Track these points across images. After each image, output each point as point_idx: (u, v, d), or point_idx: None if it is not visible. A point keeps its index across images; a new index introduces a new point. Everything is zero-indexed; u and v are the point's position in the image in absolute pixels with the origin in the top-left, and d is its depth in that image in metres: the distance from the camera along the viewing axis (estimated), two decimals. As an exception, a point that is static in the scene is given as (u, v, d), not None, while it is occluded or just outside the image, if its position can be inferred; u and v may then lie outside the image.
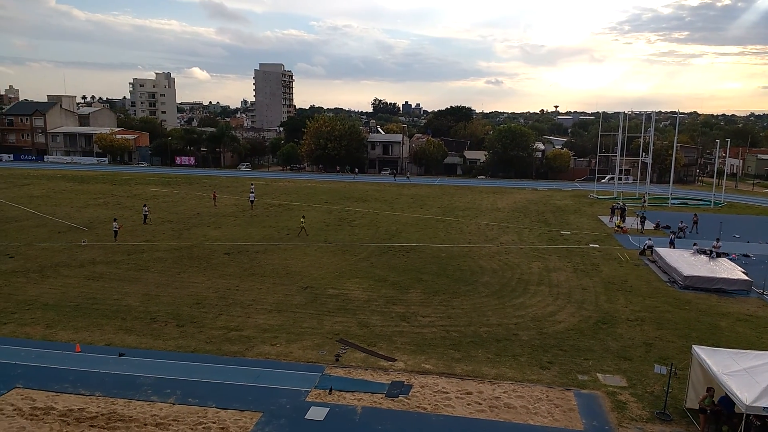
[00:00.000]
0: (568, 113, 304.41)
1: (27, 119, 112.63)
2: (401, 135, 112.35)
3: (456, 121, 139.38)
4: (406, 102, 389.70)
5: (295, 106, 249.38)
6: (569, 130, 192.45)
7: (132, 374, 19.21)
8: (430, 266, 34.12)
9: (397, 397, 18.03)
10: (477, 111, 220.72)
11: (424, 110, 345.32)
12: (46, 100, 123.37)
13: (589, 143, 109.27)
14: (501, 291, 29.43)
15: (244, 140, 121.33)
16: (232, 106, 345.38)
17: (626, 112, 74.99)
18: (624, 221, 48.53)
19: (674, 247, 37.70)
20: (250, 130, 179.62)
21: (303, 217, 45.28)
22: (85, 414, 16.62)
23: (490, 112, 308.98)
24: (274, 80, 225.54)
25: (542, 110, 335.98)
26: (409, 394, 18.25)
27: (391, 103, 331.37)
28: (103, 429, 15.86)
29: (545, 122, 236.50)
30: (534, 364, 20.72)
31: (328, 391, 18.29)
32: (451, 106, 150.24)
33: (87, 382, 18.61)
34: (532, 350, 21.89)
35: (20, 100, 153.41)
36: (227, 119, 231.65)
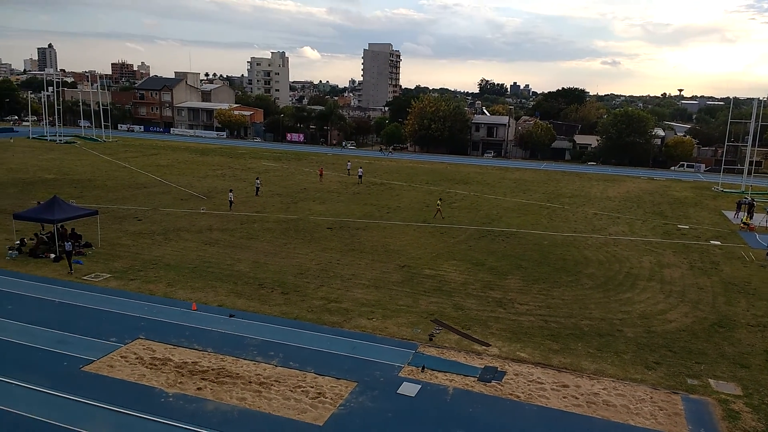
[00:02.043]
0: (693, 98, 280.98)
1: (156, 94, 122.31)
2: (507, 117, 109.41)
3: (567, 103, 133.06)
4: (515, 83, 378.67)
5: (401, 86, 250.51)
6: (694, 117, 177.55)
7: (240, 335, 20.58)
8: (531, 253, 33.23)
9: (490, 382, 17.90)
10: (591, 93, 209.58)
11: (533, 91, 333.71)
12: (173, 77, 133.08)
13: (716, 131, 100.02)
14: (606, 284, 28.09)
15: (350, 119, 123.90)
16: (341, 86, 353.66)
17: (761, 98, 67.58)
18: (751, 218, 44.25)
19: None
20: (357, 109, 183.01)
21: (440, 199, 44.95)
22: (198, 367, 18.08)
23: (605, 95, 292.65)
24: (382, 60, 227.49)
25: (664, 94, 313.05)
26: (503, 380, 18.04)
27: (498, 84, 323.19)
28: (213, 383, 17.18)
29: (667, 107, 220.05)
30: (638, 362, 19.67)
31: (420, 368, 18.53)
32: (563, 88, 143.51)
33: (200, 338, 20.21)
34: (637, 348, 20.77)
35: (151, 75, 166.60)
36: (335, 98, 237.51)
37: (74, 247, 29.54)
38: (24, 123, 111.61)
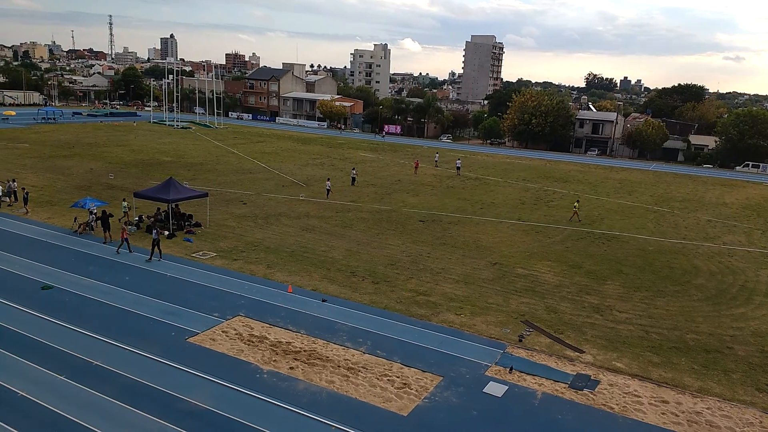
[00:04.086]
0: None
1: (264, 84, 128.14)
2: (615, 113, 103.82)
3: (683, 101, 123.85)
4: (625, 77, 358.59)
5: (502, 78, 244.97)
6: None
7: (331, 319, 21.24)
8: (634, 259, 31.46)
9: (582, 390, 17.23)
10: (710, 91, 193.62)
11: (645, 87, 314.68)
12: (280, 68, 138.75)
13: None
14: (717, 297, 26.03)
15: (448, 112, 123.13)
16: (440, 78, 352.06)
17: None
18: None
19: None
20: (455, 102, 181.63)
21: (577, 201, 43.64)
22: (291, 347, 18.90)
23: (726, 93, 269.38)
24: (484, 52, 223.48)
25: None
26: (595, 389, 17.31)
27: (607, 79, 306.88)
28: (304, 363, 17.90)
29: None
30: (749, 383, 18.11)
31: (508, 369, 18.20)
32: (679, 84, 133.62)
33: (295, 320, 21.08)
34: (748, 368, 19.12)
35: (260, 66, 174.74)
36: (434, 90, 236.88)
37: (185, 227, 31.81)
38: (146, 108, 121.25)
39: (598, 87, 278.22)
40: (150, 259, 26.58)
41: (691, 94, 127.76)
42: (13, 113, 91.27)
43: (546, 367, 18.57)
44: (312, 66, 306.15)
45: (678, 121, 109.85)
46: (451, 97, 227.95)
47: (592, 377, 18.02)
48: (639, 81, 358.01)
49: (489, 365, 18.48)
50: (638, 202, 49.28)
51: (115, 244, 28.23)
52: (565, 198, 49.19)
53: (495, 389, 17.01)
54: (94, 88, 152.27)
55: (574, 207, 41.03)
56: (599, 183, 59.69)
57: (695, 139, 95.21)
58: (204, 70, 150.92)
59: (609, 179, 63.24)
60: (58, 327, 19.48)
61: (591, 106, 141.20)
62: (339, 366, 17.84)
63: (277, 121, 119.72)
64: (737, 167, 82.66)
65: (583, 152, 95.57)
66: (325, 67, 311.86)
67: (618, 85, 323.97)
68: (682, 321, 22.97)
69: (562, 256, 31.29)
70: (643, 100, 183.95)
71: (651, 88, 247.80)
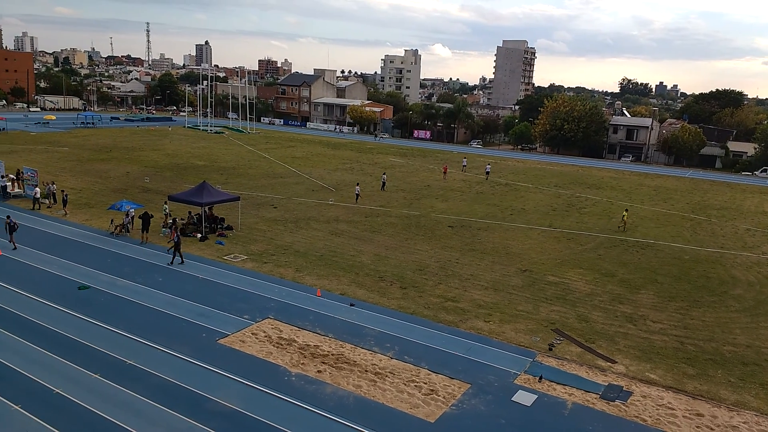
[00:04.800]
0: None
1: (296, 89, 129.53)
2: (650, 119, 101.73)
3: (721, 106, 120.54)
4: (660, 83, 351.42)
5: (533, 84, 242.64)
6: None
7: (359, 324, 21.29)
8: (669, 268, 30.71)
9: (614, 401, 16.86)
10: (749, 96, 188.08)
11: (681, 92, 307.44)
12: (312, 73, 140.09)
13: None
14: (756, 308, 25.21)
15: (478, 117, 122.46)
16: (471, 83, 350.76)
17: None
18: None
19: None
20: (485, 107, 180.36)
21: (626, 210, 42.17)
22: (319, 351, 19.00)
23: (766, 99, 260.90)
24: (516, 57, 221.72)
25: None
26: (628, 401, 16.92)
27: (641, 84, 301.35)
28: (332, 367, 17.96)
29: None
30: (791, 400, 17.45)
31: (538, 378, 17.94)
32: (717, 89, 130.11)
33: (323, 323, 21.19)
34: (790, 384, 18.44)
35: (292, 72, 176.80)
36: (464, 96, 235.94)
37: (217, 229, 32.32)
38: (181, 113, 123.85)
39: (632, 92, 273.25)
40: (171, 262, 26.69)
41: (729, 99, 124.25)
42: (54, 117, 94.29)
43: (577, 376, 18.24)
44: (343, 72, 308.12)
45: (716, 128, 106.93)
46: (481, 102, 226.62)
47: (624, 388, 17.62)
48: (675, 86, 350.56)
49: (518, 373, 18.25)
50: (674, 210, 48.13)
51: (152, 245, 28.83)
52: (598, 205, 48.36)
53: (524, 398, 16.78)
54: (131, 94, 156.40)
55: (623, 216, 39.72)
56: (633, 190, 58.52)
57: (734, 146, 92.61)
58: (237, 76, 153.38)
59: (643, 186, 61.95)
60: (93, 326, 19.99)
61: (625, 112, 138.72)
62: (366, 370, 17.85)
63: (307, 126, 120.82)
64: (756, 172, 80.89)
65: (617, 158, 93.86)
66: (355, 72, 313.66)
67: (653, 90, 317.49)
68: (719, 332, 22.30)
69: (595, 263, 30.75)
70: (680, 105, 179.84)
71: (687, 94, 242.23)
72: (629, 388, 17.68)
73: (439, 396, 16.62)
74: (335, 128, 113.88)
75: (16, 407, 14.89)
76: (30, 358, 17.52)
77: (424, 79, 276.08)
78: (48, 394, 15.66)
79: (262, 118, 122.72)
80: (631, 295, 26.05)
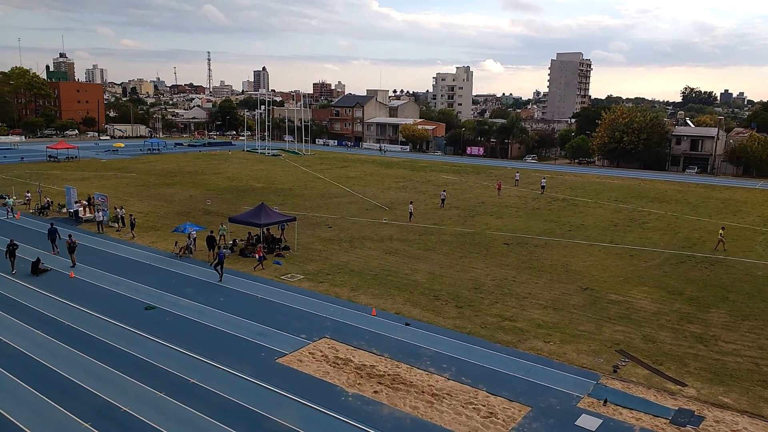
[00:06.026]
0: None
1: (349, 111, 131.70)
2: (716, 128, 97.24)
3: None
4: (726, 90, 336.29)
5: (590, 96, 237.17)
6: None
7: (415, 344, 21.15)
8: (741, 284, 29.05)
9: (685, 426, 15.98)
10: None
11: (748, 100, 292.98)
12: (365, 94, 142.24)
13: None
14: (842, 328, 23.40)
15: (533, 131, 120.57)
16: (524, 98, 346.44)
17: None
18: None
19: None
20: (540, 122, 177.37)
21: (723, 228, 39.70)
22: (375, 371, 18.97)
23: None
24: (571, 70, 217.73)
25: None
26: (699, 426, 16.00)
27: (705, 92, 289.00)
28: (388, 387, 17.88)
29: None
30: None
31: (602, 401, 17.24)
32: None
33: (379, 343, 21.19)
34: None
35: (345, 93, 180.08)
36: (518, 111, 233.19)
37: (275, 250, 33.03)
38: (240, 138, 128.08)
39: (695, 101, 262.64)
40: (221, 279, 27.86)
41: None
42: (122, 145, 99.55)
43: (644, 400, 17.41)
44: (395, 91, 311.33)
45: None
46: (535, 116, 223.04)
47: (695, 413, 16.68)
48: (741, 93, 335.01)
49: (581, 396, 17.60)
50: (744, 223, 45.61)
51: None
52: (662, 219, 46.45)
53: (588, 422, 16.15)
54: (193, 120, 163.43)
55: (720, 234, 37.12)
56: (700, 203, 55.91)
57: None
58: (293, 100, 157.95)
59: (711, 198, 59.10)
60: (159, 345, 20.74)
61: (689, 122, 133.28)
62: (423, 392, 17.67)
63: (361, 146, 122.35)
64: None
65: (681, 170, 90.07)
66: (407, 92, 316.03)
67: (718, 98, 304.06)
68: (801, 354, 20.83)
69: (660, 281, 29.45)
70: (747, 113, 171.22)
71: (755, 101, 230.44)
72: (701, 412, 16.72)
73: (498, 419, 16.23)
74: (379, 147, 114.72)
75: (87, 425, 15.57)
76: (100, 377, 18.33)
77: (476, 96, 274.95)
78: (116, 412, 16.30)
79: (316, 140, 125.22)
80: (701, 314, 24.75)
